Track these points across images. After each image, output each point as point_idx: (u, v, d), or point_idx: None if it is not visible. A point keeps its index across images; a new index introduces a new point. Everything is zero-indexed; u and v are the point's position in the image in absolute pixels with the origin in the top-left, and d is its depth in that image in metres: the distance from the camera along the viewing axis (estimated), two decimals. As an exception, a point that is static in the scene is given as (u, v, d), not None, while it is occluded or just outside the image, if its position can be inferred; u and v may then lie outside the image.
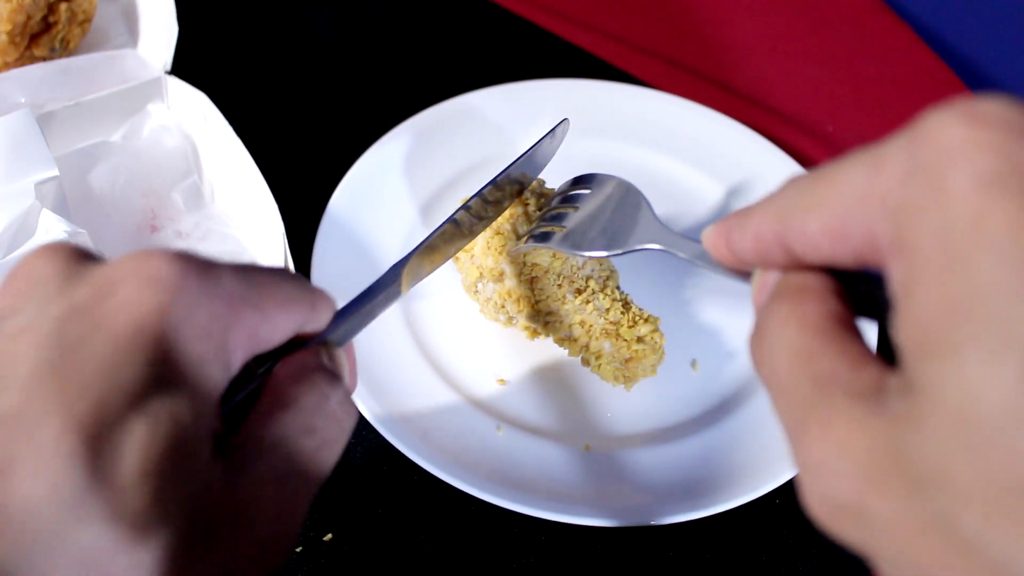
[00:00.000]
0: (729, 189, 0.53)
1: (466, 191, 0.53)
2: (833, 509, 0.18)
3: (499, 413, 0.44)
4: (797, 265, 0.21)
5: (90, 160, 0.49)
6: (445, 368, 0.45)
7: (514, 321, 0.45)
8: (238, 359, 0.23)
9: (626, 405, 0.45)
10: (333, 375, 0.25)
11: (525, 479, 0.41)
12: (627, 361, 0.42)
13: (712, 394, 0.45)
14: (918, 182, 0.17)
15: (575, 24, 0.65)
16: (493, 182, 0.40)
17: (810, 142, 0.58)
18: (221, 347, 0.22)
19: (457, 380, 0.45)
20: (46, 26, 0.52)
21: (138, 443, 0.19)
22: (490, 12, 0.66)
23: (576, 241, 0.38)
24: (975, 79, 0.66)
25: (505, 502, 0.39)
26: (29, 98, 0.48)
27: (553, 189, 0.44)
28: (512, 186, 0.42)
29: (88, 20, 0.54)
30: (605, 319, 0.42)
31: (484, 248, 0.43)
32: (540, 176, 0.44)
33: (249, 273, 0.23)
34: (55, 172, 0.43)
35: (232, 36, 0.63)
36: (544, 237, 0.39)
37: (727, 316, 0.48)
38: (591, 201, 0.39)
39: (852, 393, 0.18)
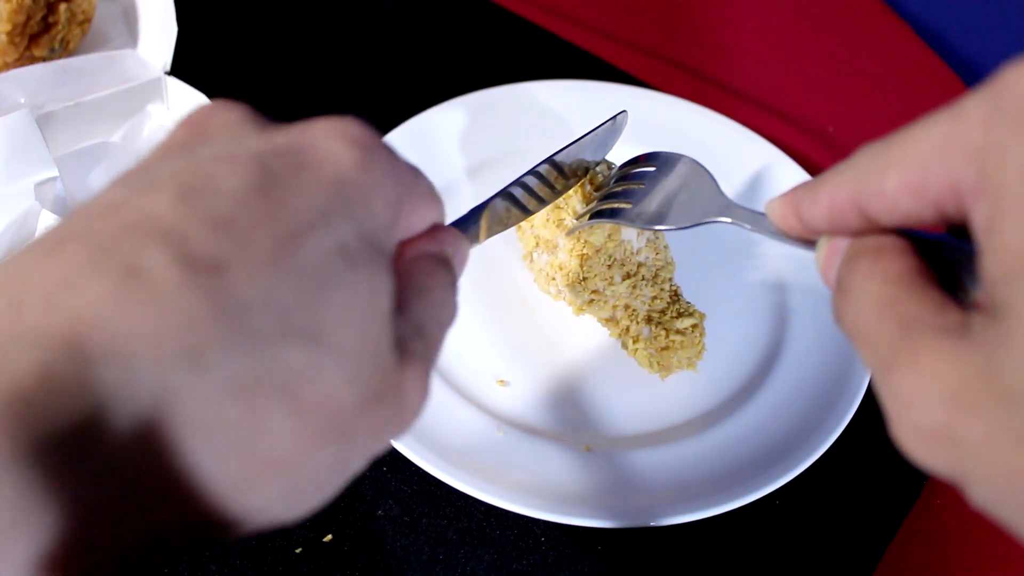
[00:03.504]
0: (728, 190, 0.53)
1: (469, 192, 0.53)
2: (925, 438, 0.18)
3: (499, 414, 0.44)
4: (870, 229, 0.22)
5: (90, 160, 0.49)
6: (445, 369, 0.45)
7: (562, 295, 0.47)
8: (397, 239, 0.23)
9: (627, 406, 0.45)
10: (453, 270, 0.25)
11: (525, 480, 0.41)
12: (662, 350, 0.42)
13: (712, 395, 0.45)
14: (1000, 125, 0.18)
15: (575, 24, 0.65)
16: (549, 160, 0.39)
17: (810, 142, 0.58)
18: (397, 219, 0.22)
19: (457, 381, 0.45)
20: (46, 26, 0.52)
21: (350, 297, 0.20)
22: (490, 12, 0.66)
23: (644, 216, 0.38)
24: (976, 79, 0.66)
25: (505, 503, 0.39)
26: (29, 98, 0.48)
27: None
28: (572, 168, 0.42)
29: (88, 20, 0.54)
30: (649, 307, 0.43)
31: (544, 219, 0.45)
32: (607, 158, 0.44)
33: (410, 165, 0.24)
34: (55, 173, 0.43)
35: (232, 36, 0.63)
36: (610, 214, 0.39)
37: (728, 317, 0.48)
38: (657, 177, 0.39)
39: (938, 330, 0.18)
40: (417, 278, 0.24)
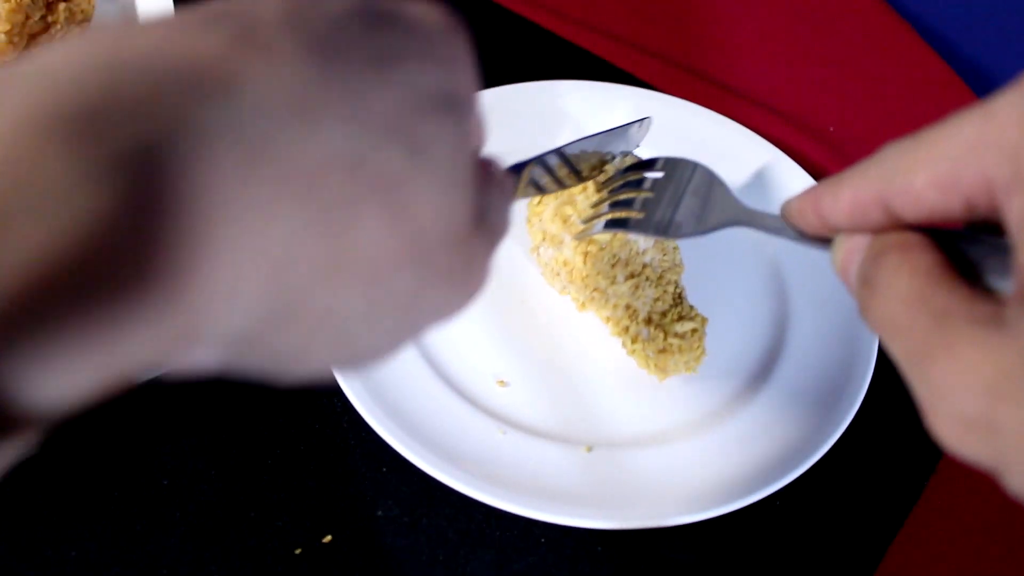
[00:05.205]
0: (730, 189, 0.53)
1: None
2: (963, 427, 0.18)
3: (499, 415, 0.44)
4: (891, 226, 0.22)
5: (89, 160, 0.49)
6: (445, 370, 0.45)
7: (567, 290, 0.47)
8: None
9: (627, 407, 0.45)
10: (508, 189, 0.26)
11: (525, 480, 0.41)
12: (660, 352, 0.42)
13: (713, 397, 0.45)
14: None
15: (575, 24, 0.65)
16: (559, 150, 0.39)
17: (811, 143, 0.58)
18: (472, 106, 0.23)
19: (457, 382, 0.45)
20: (45, 26, 0.52)
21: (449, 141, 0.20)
22: (490, 12, 0.66)
23: (657, 225, 0.37)
24: (977, 79, 0.66)
25: (505, 503, 0.39)
26: (28, 98, 0.47)
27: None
28: (594, 160, 0.42)
29: (87, 20, 0.54)
30: (650, 308, 0.43)
31: (552, 214, 0.45)
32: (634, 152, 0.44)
33: None
34: (54, 172, 0.43)
35: (232, 36, 0.63)
36: (620, 223, 0.39)
37: (731, 318, 0.48)
38: (666, 184, 0.38)
39: (972, 320, 0.19)
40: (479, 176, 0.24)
